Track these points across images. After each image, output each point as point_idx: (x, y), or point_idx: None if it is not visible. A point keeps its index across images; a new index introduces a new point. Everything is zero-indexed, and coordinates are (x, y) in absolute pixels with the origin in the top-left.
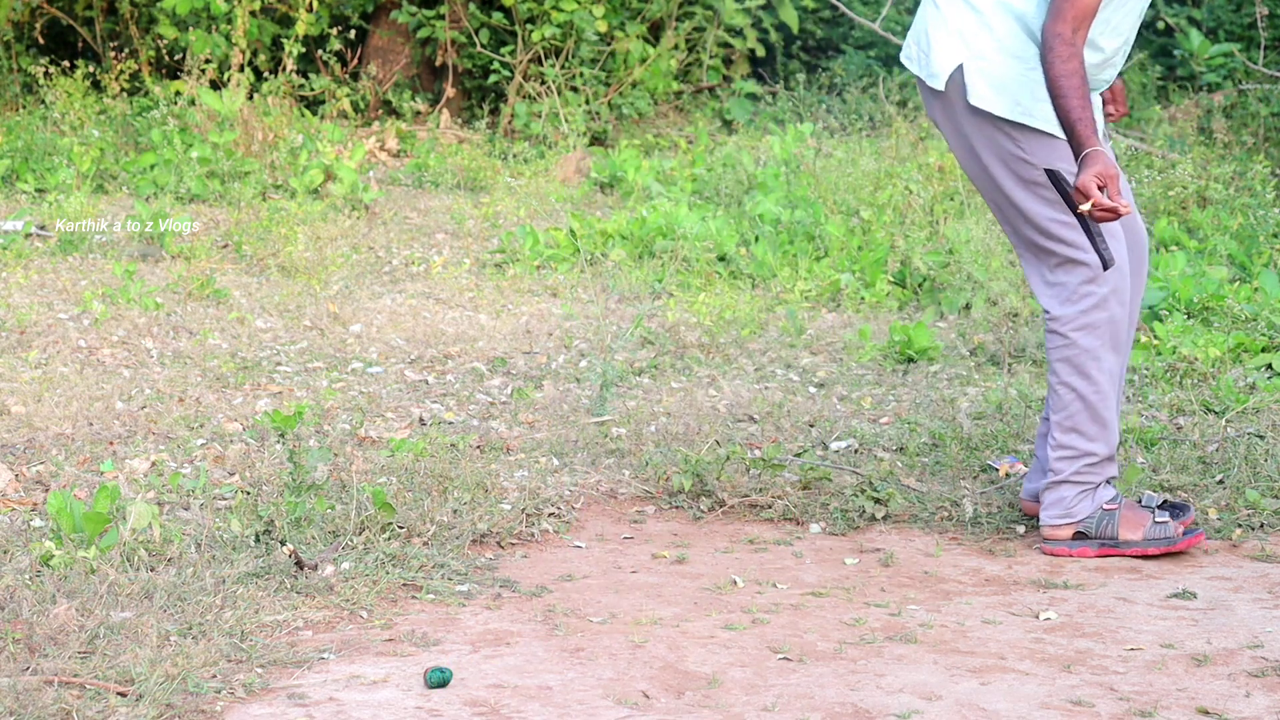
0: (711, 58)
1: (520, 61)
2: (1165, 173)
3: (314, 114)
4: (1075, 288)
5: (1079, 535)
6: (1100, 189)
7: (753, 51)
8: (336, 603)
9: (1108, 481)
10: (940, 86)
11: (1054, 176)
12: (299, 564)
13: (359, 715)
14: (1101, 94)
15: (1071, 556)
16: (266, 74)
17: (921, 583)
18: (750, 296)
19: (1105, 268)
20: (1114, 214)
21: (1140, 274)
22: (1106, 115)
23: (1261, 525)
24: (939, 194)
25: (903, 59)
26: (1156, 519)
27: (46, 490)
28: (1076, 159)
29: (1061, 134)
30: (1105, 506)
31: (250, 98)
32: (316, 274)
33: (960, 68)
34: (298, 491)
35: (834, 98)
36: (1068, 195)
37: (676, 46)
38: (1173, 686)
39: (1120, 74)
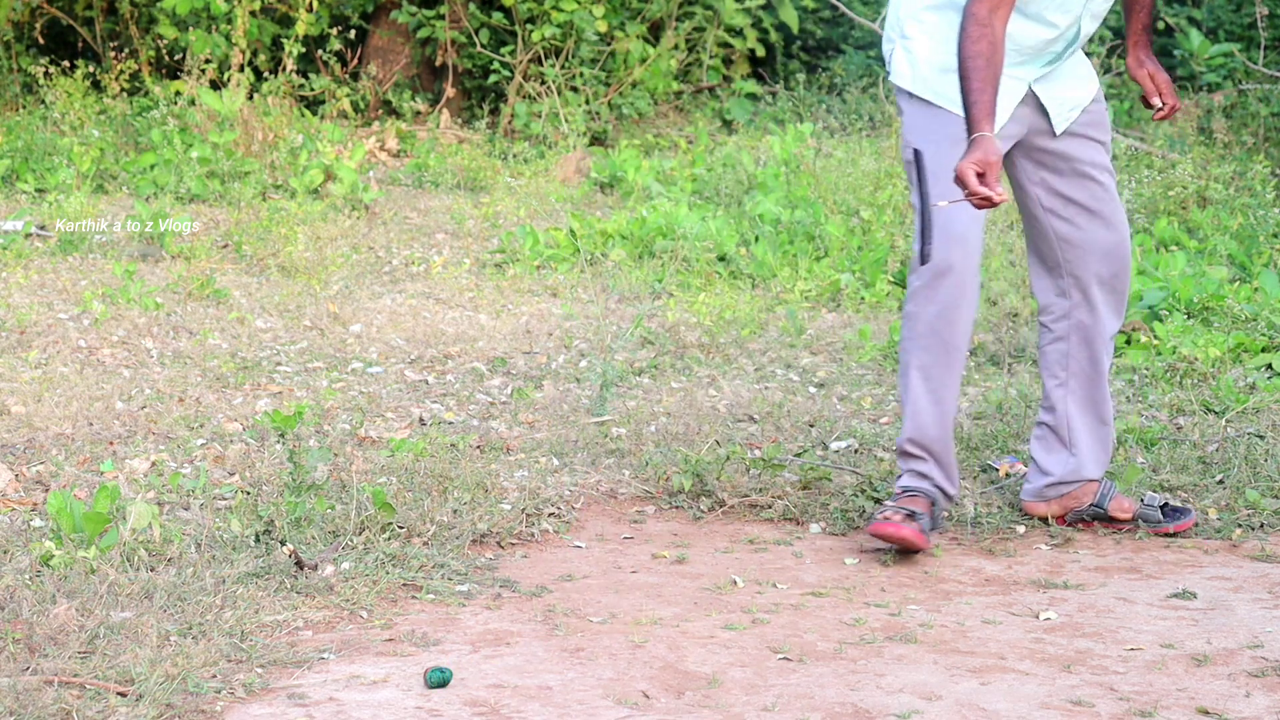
0: (711, 58)
1: (520, 61)
2: (1165, 173)
3: (314, 114)
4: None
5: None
6: (979, 176)
7: (753, 51)
8: (336, 603)
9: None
10: (889, 71)
11: (918, 157)
12: (299, 564)
13: (359, 715)
14: (1146, 90)
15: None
16: (266, 74)
17: (921, 583)
18: (750, 296)
19: (921, 262)
20: (988, 201)
21: (1111, 285)
22: (1156, 110)
23: (1261, 525)
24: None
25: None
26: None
27: (46, 490)
28: (968, 137)
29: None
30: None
31: (250, 98)
32: (316, 274)
33: (893, 50)
34: (298, 491)
35: (834, 98)
36: (922, 181)
37: (676, 46)
38: (1173, 686)
39: (1159, 67)
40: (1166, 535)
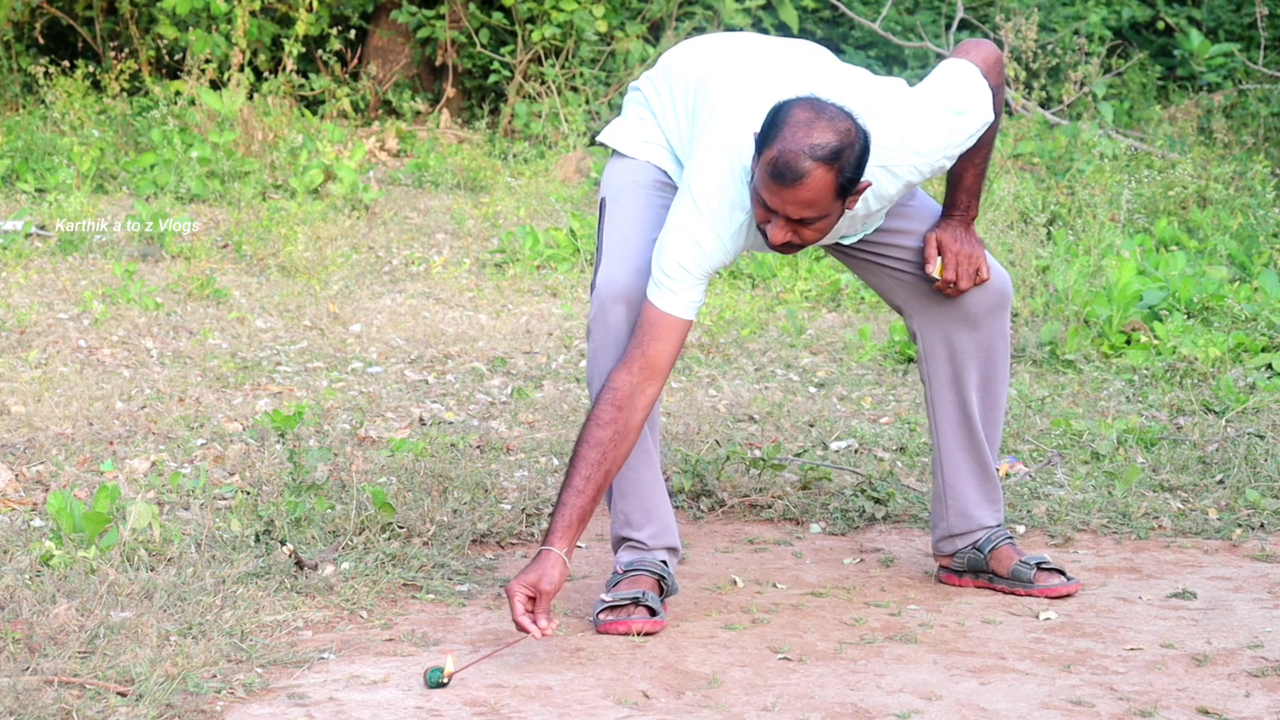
0: None
1: (520, 61)
2: (1165, 173)
3: (314, 114)
4: None
5: None
6: (529, 599)
7: None
8: (336, 603)
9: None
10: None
11: (602, 205)
12: (299, 564)
13: (359, 715)
14: (927, 254)
15: None
16: (266, 74)
17: (921, 583)
18: (750, 296)
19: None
20: (525, 634)
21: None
22: (933, 279)
23: (1262, 525)
24: (938, 194)
25: None
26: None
27: (46, 490)
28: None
29: (629, 154)
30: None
31: (250, 98)
32: (316, 274)
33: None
34: (298, 491)
35: None
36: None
37: None
38: (1173, 686)
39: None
40: (1036, 596)
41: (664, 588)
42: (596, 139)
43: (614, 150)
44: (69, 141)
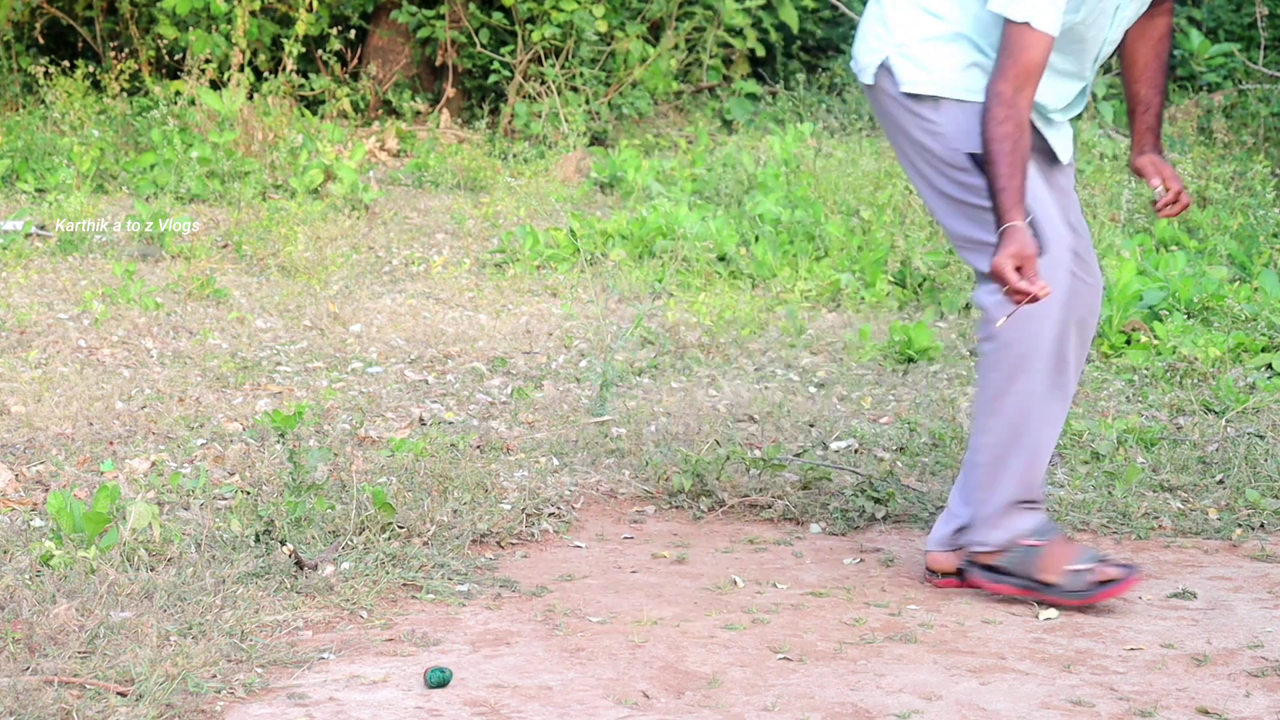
0: (711, 58)
1: (520, 61)
2: None
3: (314, 114)
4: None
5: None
6: (1017, 270)
7: (753, 51)
8: (336, 603)
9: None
10: (870, 81)
11: (975, 160)
12: (299, 564)
13: (359, 715)
14: (1152, 181)
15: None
16: (266, 74)
17: (921, 583)
18: (750, 296)
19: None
20: (1032, 299)
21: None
22: (1162, 209)
23: (1262, 525)
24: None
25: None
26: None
27: (46, 490)
28: (997, 229)
29: (965, 98)
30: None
31: (250, 98)
32: (316, 274)
33: (887, 60)
34: (298, 491)
35: (834, 98)
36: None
37: (676, 46)
38: (1173, 686)
39: (1159, 151)
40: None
41: None
42: (911, 92)
43: (939, 97)
44: (69, 141)
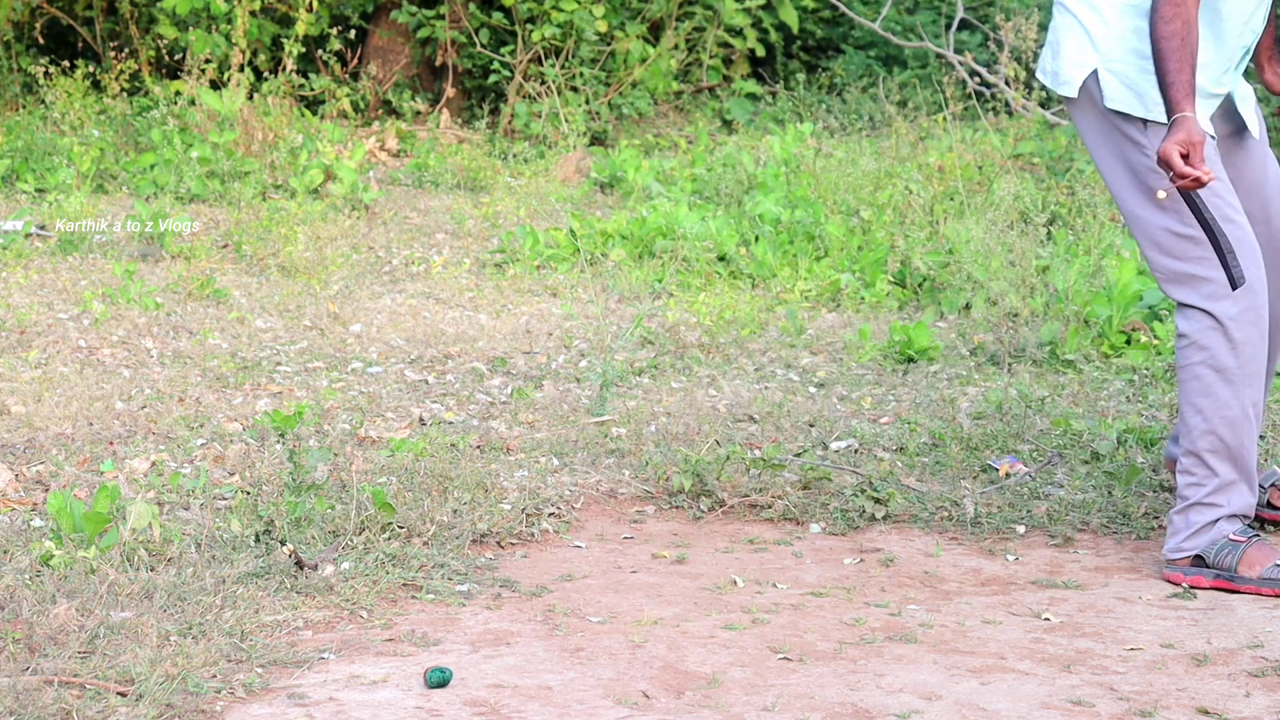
0: (711, 58)
1: (520, 61)
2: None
3: (314, 114)
4: (1197, 305)
5: (1198, 560)
6: (1183, 157)
7: (753, 51)
8: (336, 603)
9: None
10: (1073, 94)
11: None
12: (299, 564)
13: (359, 715)
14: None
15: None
16: (266, 74)
17: (921, 583)
18: (750, 296)
19: (1234, 287)
20: (1196, 182)
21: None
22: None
23: (1261, 526)
24: (939, 194)
25: (1037, 74)
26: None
27: (46, 490)
28: (1168, 119)
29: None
30: (1232, 537)
31: (250, 98)
32: (316, 274)
33: (1094, 73)
34: (298, 491)
35: (834, 98)
36: (1201, 204)
37: (676, 46)
38: (1173, 686)
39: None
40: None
41: None
42: (1118, 110)
43: (1147, 120)
44: (69, 141)
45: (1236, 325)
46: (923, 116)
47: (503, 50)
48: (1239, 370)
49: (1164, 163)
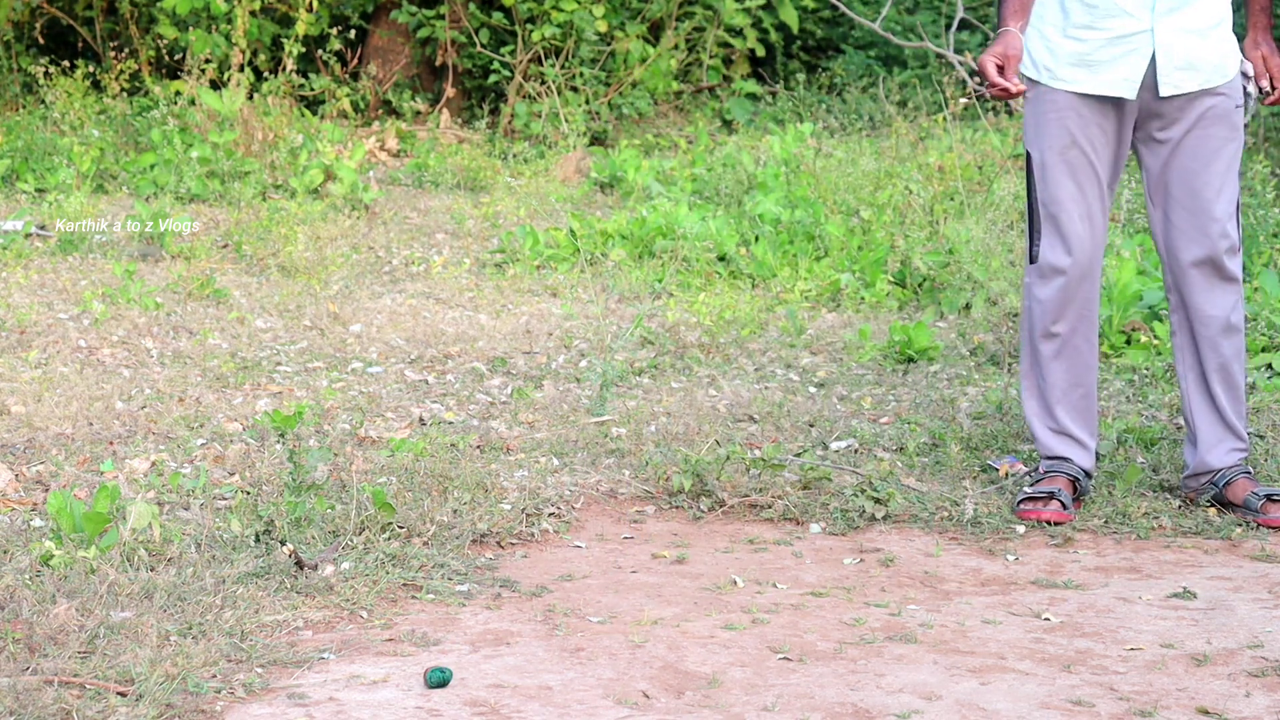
0: (711, 58)
1: (520, 61)
2: None
3: (314, 114)
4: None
5: None
6: (998, 69)
7: (753, 51)
8: (336, 603)
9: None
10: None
11: (1028, 161)
12: (299, 564)
13: (359, 715)
14: (1257, 72)
15: None
16: (266, 74)
17: (921, 583)
18: (750, 296)
19: (1030, 261)
20: (1005, 92)
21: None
22: (1265, 95)
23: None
24: (939, 194)
25: None
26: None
27: (46, 490)
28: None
29: (1054, 83)
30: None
31: (250, 98)
32: (316, 274)
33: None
34: (298, 491)
35: (834, 98)
36: (1031, 181)
37: (676, 46)
38: (1173, 686)
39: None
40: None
41: (1078, 488)
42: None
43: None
44: (69, 141)
45: (1029, 291)
46: (923, 116)
47: (503, 50)
48: (1032, 335)
49: (979, 71)
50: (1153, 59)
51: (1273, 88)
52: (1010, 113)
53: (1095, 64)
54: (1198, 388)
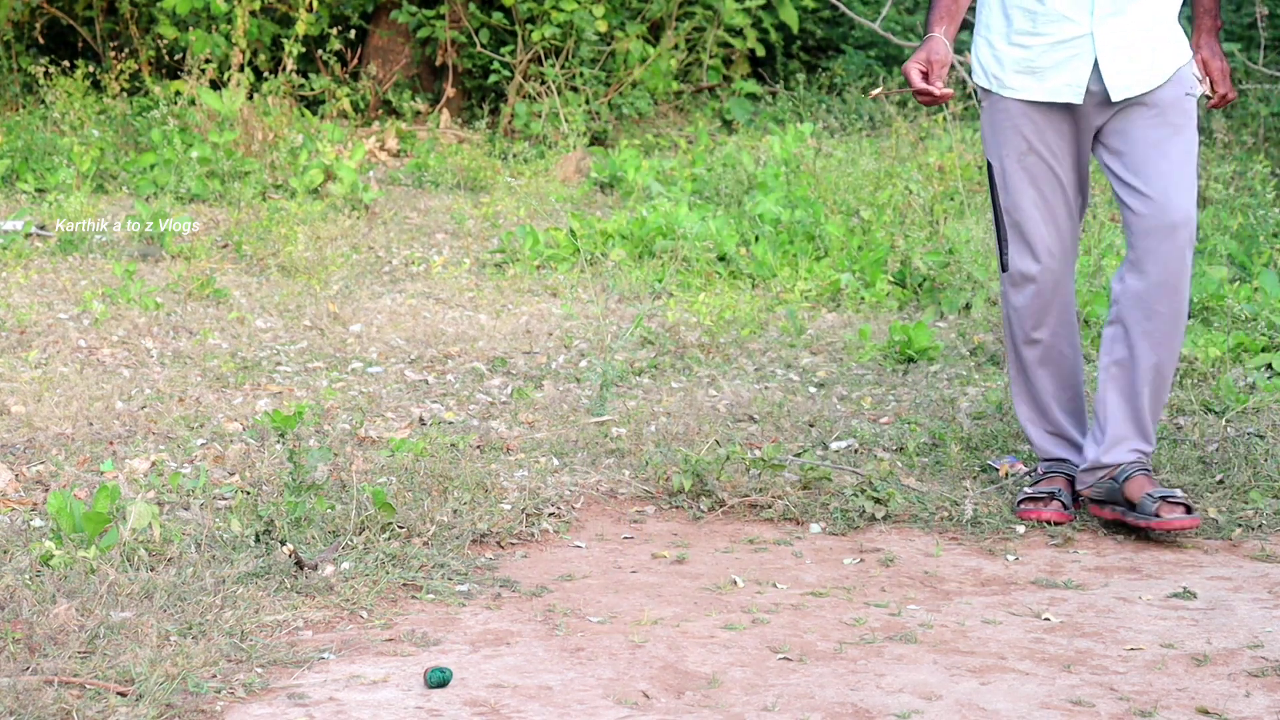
0: (711, 58)
1: (520, 61)
2: None
3: (314, 114)
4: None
5: None
6: (923, 75)
7: (753, 51)
8: (336, 603)
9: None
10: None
11: (990, 170)
12: (299, 564)
13: (359, 715)
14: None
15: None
16: (266, 74)
17: (921, 583)
18: (750, 296)
19: (1003, 269)
20: (930, 97)
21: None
22: (1206, 98)
23: (1261, 525)
24: (939, 194)
25: None
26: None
27: (46, 490)
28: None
29: (1004, 91)
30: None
31: (250, 98)
32: (316, 274)
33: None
34: (298, 491)
35: (834, 98)
36: (995, 190)
37: (676, 46)
38: (1173, 686)
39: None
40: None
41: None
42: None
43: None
44: (69, 141)
45: (1006, 298)
46: (923, 116)
47: (503, 50)
48: (1013, 340)
49: (905, 77)
50: (1096, 63)
51: (1214, 91)
52: (945, 117)
53: (1040, 70)
54: (1120, 380)
